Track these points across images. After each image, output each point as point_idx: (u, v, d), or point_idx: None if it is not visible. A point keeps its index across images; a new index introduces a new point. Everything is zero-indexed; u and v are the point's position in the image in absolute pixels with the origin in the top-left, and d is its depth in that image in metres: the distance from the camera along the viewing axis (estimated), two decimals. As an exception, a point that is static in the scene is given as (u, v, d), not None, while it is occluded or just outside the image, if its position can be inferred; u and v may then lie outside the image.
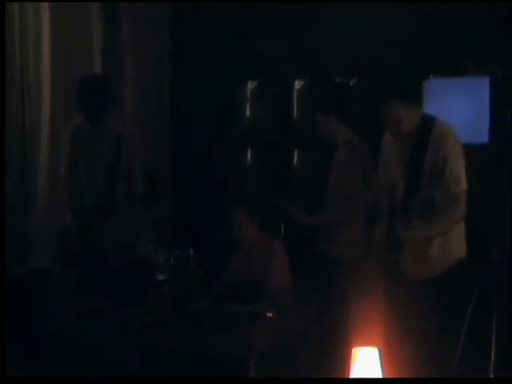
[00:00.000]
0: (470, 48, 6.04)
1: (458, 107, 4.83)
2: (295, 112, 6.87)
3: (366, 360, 3.94)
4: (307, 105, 6.42)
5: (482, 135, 5.58)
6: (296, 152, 6.74)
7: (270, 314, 4.58)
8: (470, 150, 4.55)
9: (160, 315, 4.71)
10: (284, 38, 6.83)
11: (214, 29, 7.03)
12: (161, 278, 4.94)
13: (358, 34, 6.52)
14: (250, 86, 6.95)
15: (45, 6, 5.90)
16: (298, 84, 6.81)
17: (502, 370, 4.35)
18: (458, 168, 4.40)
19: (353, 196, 5.31)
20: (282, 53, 6.78)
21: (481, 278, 4.51)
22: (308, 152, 6.33)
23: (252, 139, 6.87)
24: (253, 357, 4.31)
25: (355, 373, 3.94)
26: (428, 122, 4.50)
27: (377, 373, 3.93)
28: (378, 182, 5.14)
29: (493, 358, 4.27)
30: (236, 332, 4.41)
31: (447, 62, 5.99)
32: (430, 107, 4.78)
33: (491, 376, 4.42)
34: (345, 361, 4.02)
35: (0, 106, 5.44)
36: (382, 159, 4.75)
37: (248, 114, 6.91)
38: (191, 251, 4.96)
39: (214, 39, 7.03)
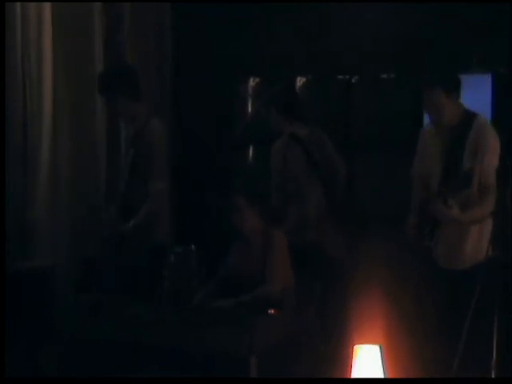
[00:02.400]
0: (472, 45, 6.05)
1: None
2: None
3: (367, 357, 3.93)
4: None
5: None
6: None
7: (271, 311, 4.57)
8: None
9: (160, 312, 4.70)
10: (286, 35, 6.83)
11: (215, 25, 7.02)
12: (163, 275, 4.91)
13: (361, 31, 6.54)
14: (252, 82, 6.95)
15: (46, 3, 5.88)
16: (299, 81, 6.83)
17: (503, 370, 4.34)
18: (496, 160, 4.52)
19: (296, 183, 5.56)
20: (284, 49, 6.79)
21: (483, 274, 4.53)
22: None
23: (253, 136, 6.88)
24: (253, 354, 4.30)
25: (356, 370, 3.94)
26: (469, 117, 4.70)
27: (378, 370, 3.92)
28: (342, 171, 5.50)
29: (494, 357, 4.27)
30: (236, 329, 4.39)
31: (449, 59, 6.00)
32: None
33: (493, 376, 4.42)
34: (346, 358, 4.01)
35: (0, 105, 5.43)
36: (419, 150, 4.91)
37: (249, 110, 6.92)
38: (192, 248, 4.94)
39: (215, 36, 7.02)
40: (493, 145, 4.60)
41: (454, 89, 4.74)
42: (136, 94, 5.34)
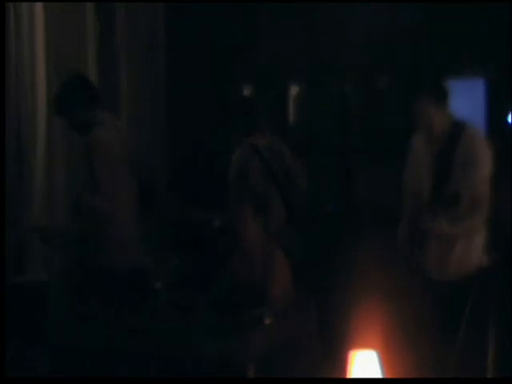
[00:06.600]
0: (465, 49, 6.05)
1: (454, 109, 4.84)
2: (291, 117, 6.92)
3: (364, 363, 3.95)
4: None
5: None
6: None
7: (267, 321, 4.56)
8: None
9: (158, 322, 4.69)
10: (280, 42, 6.84)
11: (210, 24, 7.02)
12: (159, 285, 4.90)
13: (355, 36, 6.57)
14: (246, 90, 6.95)
15: (39, 6, 5.87)
16: (293, 89, 6.84)
17: (499, 372, 4.37)
18: (487, 171, 4.50)
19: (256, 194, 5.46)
20: (278, 57, 6.80)
21: (479, 278, 4.57)
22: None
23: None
24: (251, 362, 4.30)
25: (353, 376, 3.96)
26: (459, 126, 4.67)
27: (375, 376, 3.94)
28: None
29: (490, 360, 4.31)
30: (234, 338, 4.39)
31: (443, 64, 6.00)
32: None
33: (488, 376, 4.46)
34: (343, 364, 4.03)
35: (0, 106, 5.42)
36: (410, 160, 4.89)
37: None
38: (190, 258, 4.93)
39: (210, 35, 7.02)
40: (482, 156, 4.56)
41: (443, 99, 4.68)
42: (87, 102, 5.18)
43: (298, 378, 4.49)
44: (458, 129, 4.63)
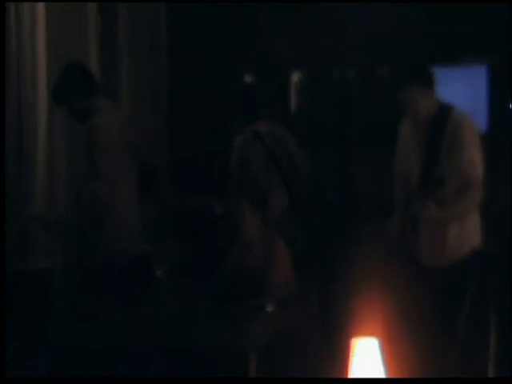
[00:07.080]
0: (467, 36, 6.07)
1: (456, 96, 4.85)
2: (293, 108, 6.92)
3: (365, 351, 3.92)
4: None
5: (480, 124, 5.62)
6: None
7: (269, 309, 4.56)
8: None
9: (159, 312, 4.68)
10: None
11: (211, 23, 7.05)
12: (160, 273, 4.89)
13: (356, 25, 6.58)
14: (247, 79, 6.97)
15: (41, 6, 5.89)
16: (295, 77, 6.86)
17: (501, 370, 4.35)
18: (475, 154, 4.49)
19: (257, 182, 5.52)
20: (279, 45, 6.82)
21: (479, 270, 4.55)
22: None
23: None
24: (252, 351, 4.29)
25: (355, 364, 3.92)
26: (445, 110, 4.66)
27: (377, 364, 3.91)
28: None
29: (491, 348, 4.29)
30: (235, 327, 4.38)
31: (445, 51, 6.01)
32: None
33: (489, 368, 4.43)
34: (344, 352, 4.00)
35: (1, 105, 5.43)
36: (399, 147, 4.88)
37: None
38: (191, 246, 4.93)
39: (211, 33, 7.05)
40: (469, 139, 4.56)
41: (429, 84, 4.67)
42: (87, 90, 5.16)
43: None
44: (444, 113, 4.63)
